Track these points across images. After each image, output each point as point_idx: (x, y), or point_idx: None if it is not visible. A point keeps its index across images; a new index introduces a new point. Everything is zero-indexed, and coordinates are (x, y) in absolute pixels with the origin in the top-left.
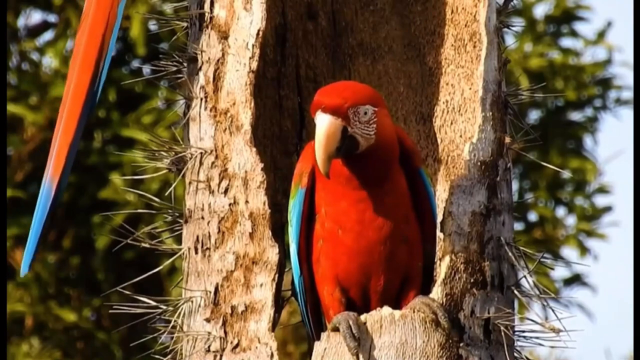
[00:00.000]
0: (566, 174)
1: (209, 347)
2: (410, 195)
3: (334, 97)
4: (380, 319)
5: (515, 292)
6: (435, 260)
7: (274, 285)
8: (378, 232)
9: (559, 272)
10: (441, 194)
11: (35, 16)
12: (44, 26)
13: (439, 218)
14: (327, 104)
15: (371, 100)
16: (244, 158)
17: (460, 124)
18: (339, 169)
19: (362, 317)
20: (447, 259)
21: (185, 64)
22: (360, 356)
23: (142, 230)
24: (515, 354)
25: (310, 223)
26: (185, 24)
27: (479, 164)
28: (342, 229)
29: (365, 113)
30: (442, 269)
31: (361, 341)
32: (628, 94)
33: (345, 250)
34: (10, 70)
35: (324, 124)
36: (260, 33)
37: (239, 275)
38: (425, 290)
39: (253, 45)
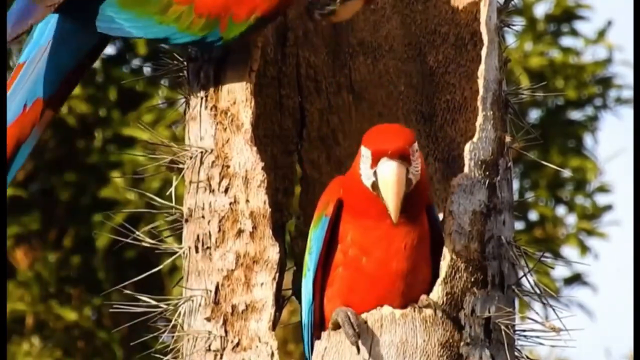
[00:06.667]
0: (567, 173)
1: (209, 346)
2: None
3: (400, 142)
4: (381, 318)
5: (516, 291)
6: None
7: (275, 285)
8: (402, 265)
9: (560, 271)
10: (441, 193)
11: None
12: None
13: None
14: (394, 150)
15: (412, 137)
16: (245, 157)
17: (461, 123)
18: (372, 204)
19: (363, 315)
20: (447, 258)
21: (185, 63)
22: (361, 346)
23: (143, 229)
24: (516, 353)
25: (328, 252)
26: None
27: (479, 163)
28: (367, 257)
29: (416, 151)
30: (442, 268)
31: (362, 339)
32: (628, 93)
33: (367, 279)
34: (11, 69)
35: (393, 171)
36: (261, 32)
37: (240, 274)
38: None
39: (253, 44)
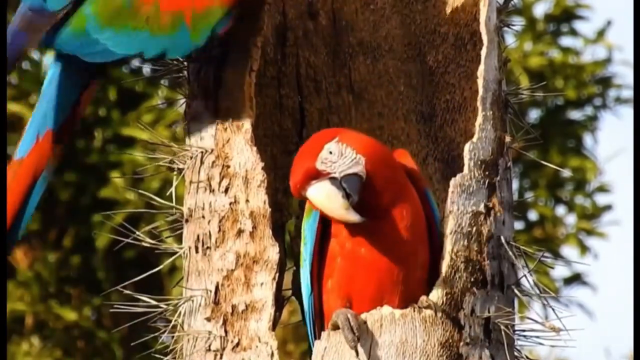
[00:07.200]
0: (566, 173)
1: (209, 346)
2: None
3: (298, 171)
4: (381, 318)
5: (516, 291)
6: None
7: (275, 284)
8: (401, 249)
9: (559, 271)
10: (441, 193)
11: None
12: None
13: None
14: (300, 178)
15: (324, 140)
16: (245, 157)
17: (461, 123)
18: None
19: (363, 315)
20: (447, 258)
21: (185, 63)
22: (359, 348)
23: (143, 229)
24: (516, 353)
25: (323, 243)
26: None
27: (479, 163)
28: (365, 247)
29: (331, 152)
30: (442, 268)
31: (362, 340)
32: (628, 93)
33: (366, 268)
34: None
35: (313, 194)
36: (261, 32)
37: (240, 274)
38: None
39: (253, 44)
